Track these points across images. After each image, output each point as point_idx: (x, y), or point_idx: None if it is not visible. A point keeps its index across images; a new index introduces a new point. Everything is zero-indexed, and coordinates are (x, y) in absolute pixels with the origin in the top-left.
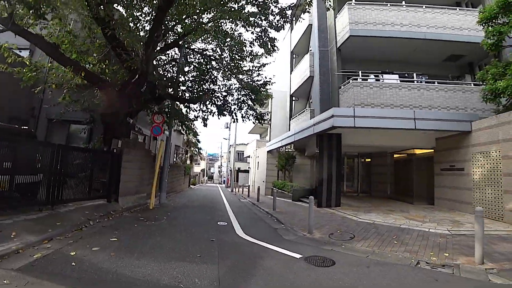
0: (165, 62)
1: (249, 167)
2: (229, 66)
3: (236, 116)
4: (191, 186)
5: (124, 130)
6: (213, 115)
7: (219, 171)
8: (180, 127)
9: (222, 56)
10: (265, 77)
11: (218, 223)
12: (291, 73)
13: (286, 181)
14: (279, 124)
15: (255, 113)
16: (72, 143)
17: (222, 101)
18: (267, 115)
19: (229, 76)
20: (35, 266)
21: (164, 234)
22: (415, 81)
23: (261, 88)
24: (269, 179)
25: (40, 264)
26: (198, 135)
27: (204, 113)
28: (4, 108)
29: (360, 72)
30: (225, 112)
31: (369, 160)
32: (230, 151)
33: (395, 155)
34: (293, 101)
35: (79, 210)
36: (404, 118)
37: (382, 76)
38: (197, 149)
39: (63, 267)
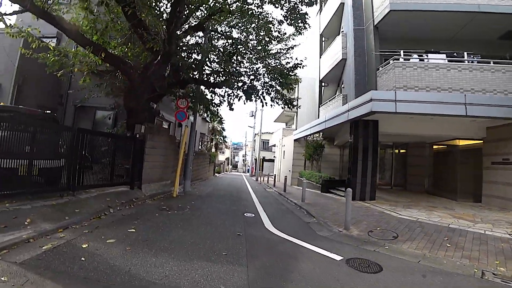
0: (189, 45)
1: (274, 156)
2: (255, 50)
3: (264, 99)
4: (216, 174)
5: (147, 115)
6: (239, 99)
7: (243, 159)
8: (205, 113)
9: (248, 39)
10: (296, 59)
11: (245, 214)
12: (320, 58)
13: (313, 171)
14: (306, 112)
15: (283, 98)
16: (98, 129)
17: (248, 85)
18: (296, 100)
19: (255, 60)
20: (41, 260)
21: (186, 226)
22: (466, 61)
23: (290, 72)
24: (295, 168)
25: (48, 257)
26: (223, 122)
27: (230, 97)
28: (34, 96)
29: (401, 51)
30: (252, 96)
31: (405, 151)
32: (255, 140)
33: (435, 146)
34: (323, 87)
35: (100, 196)
36: (453, 103)
37: (427, 55)
38: (222, 137)
39: (71, 262)
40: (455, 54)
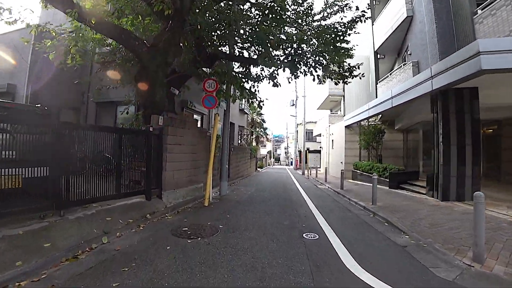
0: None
1: (320, 147)
2: (295, 23)
3: (316, 71)
4: (258, 169)
5: (167, 103)
6: (284, 70)
7: (285, 152)
8: (240, 97)
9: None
10: (356, 8)
11: (305, 235)
12: (373, 25)
13: (373, 162)
14: (355, 94)
15: (339, 68)
16: (120, 125)
17: (294, 54)
18: (357, 68)
19: (295, 38)
20: None
21: (209, 275)
22: None
23: (349, 29)
24: (348, 159)
25: None
26: (262, 106)
27: (272, 68)
28: (53, 95)
29: None
30: (299, 70)
31: (495, 129)
32: (297, 130)
33: None
34: (378, 60)
35: (99, 215)
36: None
37: None
38: (262, 129)
39: None
40: None
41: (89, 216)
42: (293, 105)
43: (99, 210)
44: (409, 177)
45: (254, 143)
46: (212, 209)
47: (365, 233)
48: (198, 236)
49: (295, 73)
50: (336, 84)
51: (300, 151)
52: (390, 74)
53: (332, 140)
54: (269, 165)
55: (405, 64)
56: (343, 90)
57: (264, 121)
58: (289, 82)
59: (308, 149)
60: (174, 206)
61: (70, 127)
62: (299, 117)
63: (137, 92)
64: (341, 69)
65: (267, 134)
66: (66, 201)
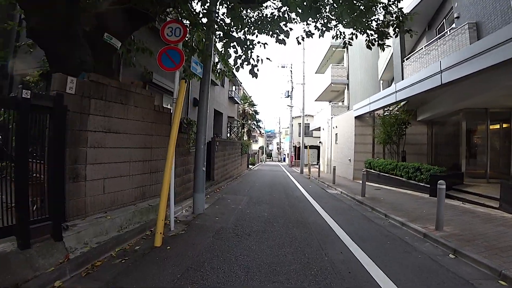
0: None
1: (320, 142)
2: None
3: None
4: (250, 166)
5: (91, 59)
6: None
7: (277, 148)
8: (223, 61)
9: None
10: None
11: None
12: None
13: (393, 161)
14: (361, 82)
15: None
16: None
17: None
18: (408, 19)
19: None
20: None
21: None
22: None
23: None
24: (358, 156)
25: None
26: (257, 72)
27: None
28: None
29: None
30: (321, 12)
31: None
32: (292, 124)
33: None
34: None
35: None
36: None
37: None
38: (255, 122)
39: None
40: None
41: None
42: (288, 97)
43: None
44: (451, 181)
45: (245, 137)
46: (166, 257)
47: None
48: None
49: (313, 22)
50: (369, 47)
51: (296, 147)
52: (425, 46)
53: (336, 134)
54: (261, 161)
55: (456, 29)
56: (347, 78)
57: (257, 113)
58: (299, 43)
59: (304, 144)
60: (88, 255)
61: None
62: (295, 110)
63: (29, 31)
64: (382, 20)
65: (260, 128)
66: None
